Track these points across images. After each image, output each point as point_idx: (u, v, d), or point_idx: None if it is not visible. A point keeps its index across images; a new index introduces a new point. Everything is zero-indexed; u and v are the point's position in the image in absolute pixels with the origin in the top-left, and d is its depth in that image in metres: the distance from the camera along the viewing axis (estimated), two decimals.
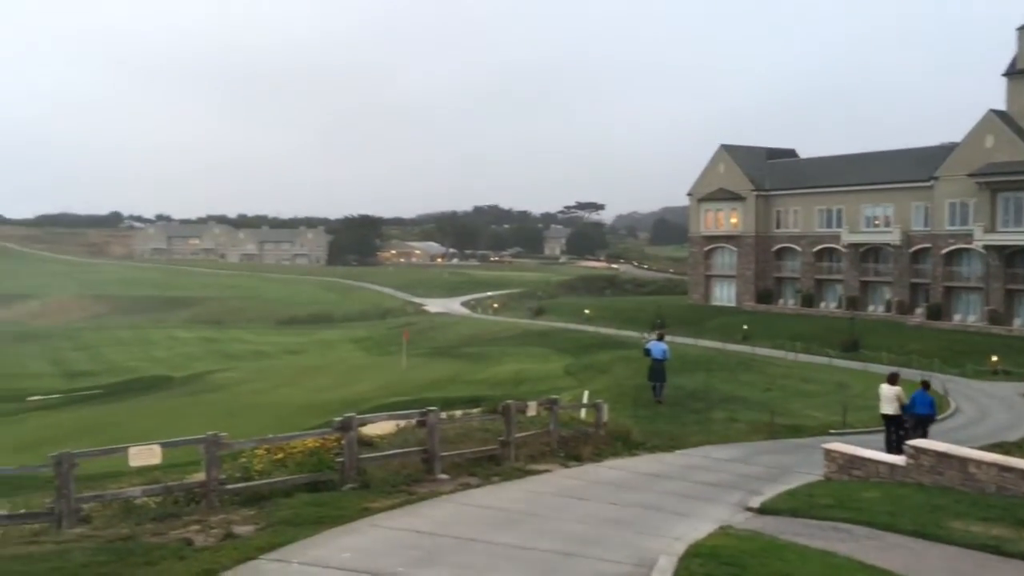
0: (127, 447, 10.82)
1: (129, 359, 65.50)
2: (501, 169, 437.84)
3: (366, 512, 9.95)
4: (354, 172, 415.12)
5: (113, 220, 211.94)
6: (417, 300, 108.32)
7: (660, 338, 26.83)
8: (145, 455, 10.87)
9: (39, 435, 35.53)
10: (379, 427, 16.34)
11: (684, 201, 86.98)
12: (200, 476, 12.77)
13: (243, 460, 12.97)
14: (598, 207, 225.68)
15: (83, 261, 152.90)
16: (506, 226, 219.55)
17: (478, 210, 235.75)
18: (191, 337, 78.76)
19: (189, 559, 7.42)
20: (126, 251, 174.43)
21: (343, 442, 12.19)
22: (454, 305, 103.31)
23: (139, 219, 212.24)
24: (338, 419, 12.48)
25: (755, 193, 74.50)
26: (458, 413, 17.91)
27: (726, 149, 78.13)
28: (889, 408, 18.30)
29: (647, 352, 26.11)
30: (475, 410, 18.49)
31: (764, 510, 12.30)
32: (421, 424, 13.48)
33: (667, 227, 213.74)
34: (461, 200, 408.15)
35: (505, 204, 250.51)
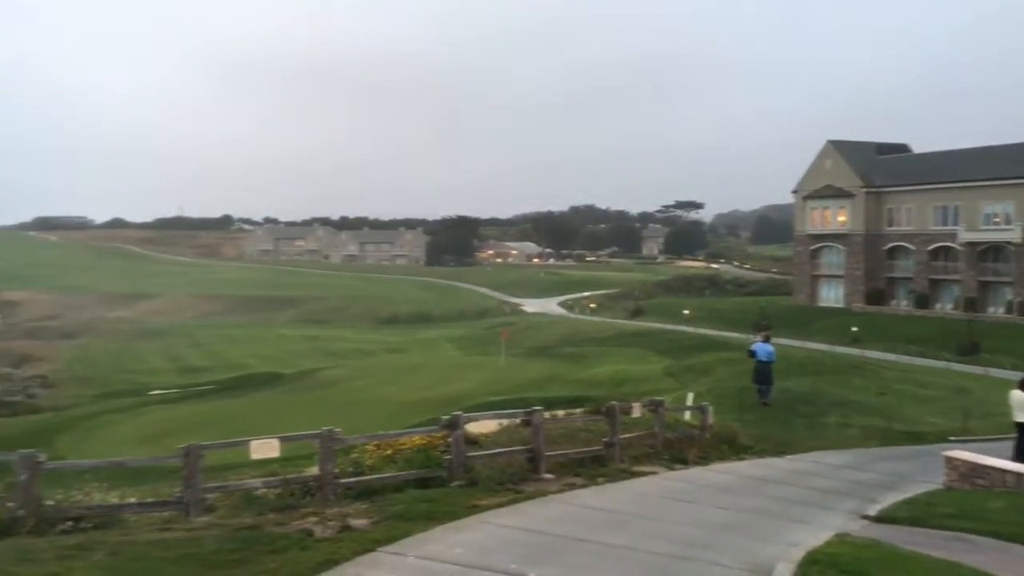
0: (249, 440, 11.29)
1: (240, 356, 68.23)
2: (597, 169, 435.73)
3: (475, 509, 10.09)
4: (452, 173, 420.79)
5: (224, 223, 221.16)
6: (514, 300, 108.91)
7: (766, 340, 26.16)
8: (265, 448, 11.33)
9: (159, 428, 37.40)
10: (483, 425, 16.51)
11: (788, 198, 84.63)
12: (314, 470, 13.26)
13: (355, 455, 13.33)
14: (697, 206, 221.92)
15: (197, 262, 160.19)
16: (602, 226, 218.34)
17: (574, 210, 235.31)
18: (297, 335, 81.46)
19: (311, 549, 7.68)
20: (236, 252, 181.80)
21: (450, 440, 12.41)
22: (550, 305, 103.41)
23: (248, 222, 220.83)
24: (445, 417, 12.70)
25: (864, 190, 71.78)
26: (561, 413, 17.91)
27: (833, 144, 75.56)
28: (1022, 415, 17.31)
29: (752, 354, 25.54)
30: (578, 410, 18.44)
31: (881, 518, 11.87)
32: (526, 423, 13.58)
33: (770, 225, 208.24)
34: (557, 200, 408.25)
35: (602, 204, 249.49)
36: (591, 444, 14.53)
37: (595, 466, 13.72)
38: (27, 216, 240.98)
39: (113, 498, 11.38)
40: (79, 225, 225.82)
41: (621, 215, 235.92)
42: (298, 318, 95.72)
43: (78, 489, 11.28)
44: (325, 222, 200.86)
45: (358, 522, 9.34)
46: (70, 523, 10.21)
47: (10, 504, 10.15)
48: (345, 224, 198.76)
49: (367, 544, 7.91)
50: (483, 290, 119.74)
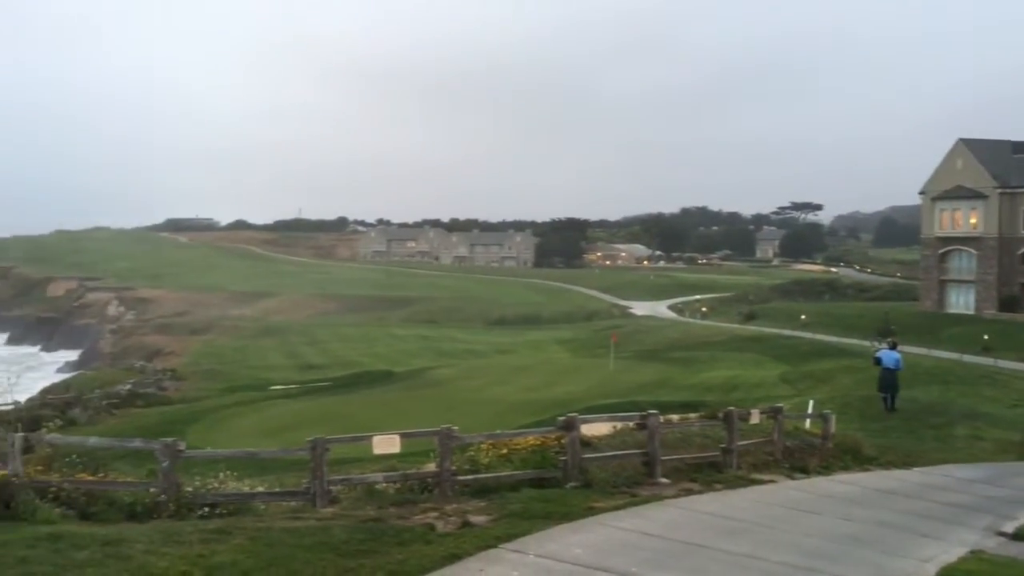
0: (371, 436, 11.65)
1: (354, 354, 70.26)
2: (710, 169, 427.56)
3: (592, 511, 10.09)
4: (562, 175, 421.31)
5: (339, 225, 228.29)
6: (622, 303, 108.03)
7: (892, 347, 25.13)
8: (386, 444, 11.66)
9: (280, 422, 38.94)
10: (596, 428, 16.46)
11: (914, 200, 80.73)
12: (432, 466, 13.56)
13: (470, 453, 13.52)
14: (815, 207, 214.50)
15: (313, 263, 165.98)
16: (715, 228, 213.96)
17: (685, 211, 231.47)
18: (408, 335, 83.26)
19: (435, 543, 7.87)
20: (350, 253, 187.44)
21: (565, 441, 12.45)
22: (660, 308, 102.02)
23: (362, 223, 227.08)
24: (561, 418, 12.76)
25: (999, 190, 67.68)
26: (676, 418, 17.68)
27: (965, 143, 71.55)
28: None
29: (877, 361, 24.66)
30: (693, 415, 18.15)
31: (1019, 536, 11.23)
32: (640, 427, 13.47)
33: (894, 228, 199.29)
34: (668, 202, 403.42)
35: (714, 205, 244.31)
36: (707, 450, 14.31)
37: (712, 472, 13.49)
38: (160, 218, 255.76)
39: (245, 487, 11.98)
40: (206, 227, 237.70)
41: (734, 217, 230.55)
42: (410, 318, 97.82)
43: (212, 477, 11.91)
44: (436, 224, 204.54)
45: (477, 519, 9.50)
46: (206, 509, 10.79)
47: (153, 489, 10.82)
48: (455, 226, 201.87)
49: (488, 540, 8.04)
50: (591, 292, 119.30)
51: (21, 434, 10.93)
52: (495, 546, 7.89)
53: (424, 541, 7.93)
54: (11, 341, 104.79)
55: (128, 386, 49.71)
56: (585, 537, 8.60)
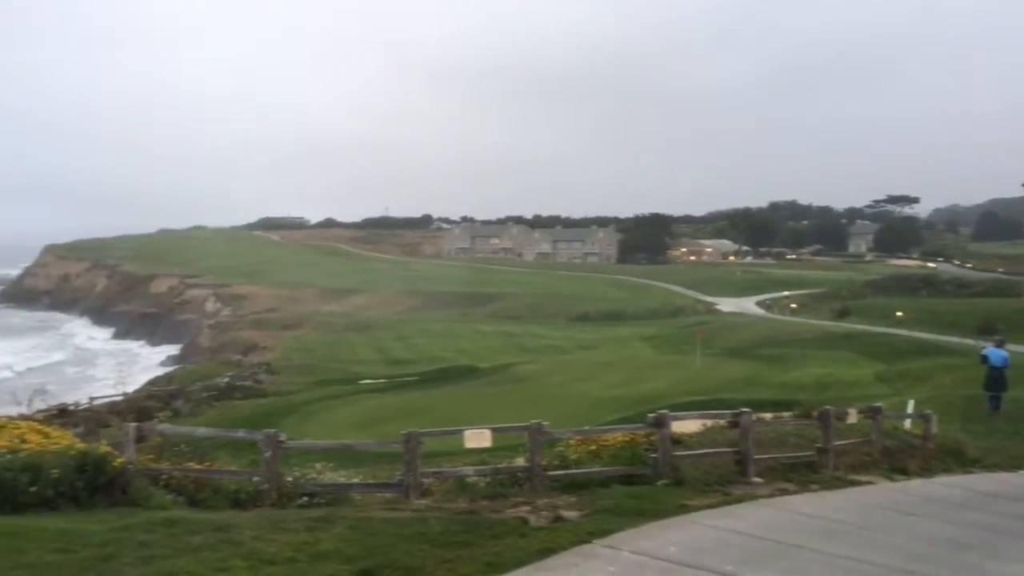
0: (463, 430, 11.85)
1: (440, 349, 71.11)
2: (800, 163, 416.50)
3: (684, 509, 10.02)
4: (646, 170, 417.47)
5: (424, 222, 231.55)
6: (708, 299, 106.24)
7: (999, 344, 24.11)
8: (478, 438, 11.84)
9: (369, 415, 39.77)
10: (685, 425, 16.31)
11: (1016, 192, 76.94)
12: (521, 461, 13.68)
13: (560, 448, 13.59)
14: (911, 200, 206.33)
15: (399, 260, 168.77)
16: (805, 222, 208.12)
17: (774, 206, 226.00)
18: (492, 331, 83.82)
19: (528, 536, 7.95)
20: (435, 250, 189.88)
21: (655, 438, 12.39)
22: (748, 304, 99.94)
23: (447, 221, 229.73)
24: (651, 415, 12.70)
25: None
26: (768, 416, 17.36)
27: None
28: None
29: (984, 359, 23.72)
30: (786, 414, 17.78)
31: None
32: (733, 425, 13.28)
33: (995, 221, 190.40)
34: (755, 196, 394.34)
35: (804, 199, 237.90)
36: (802, 449, 14.01)
37: (807, 472, 13.21)
38: (254, 217, 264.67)
39: (341, 477, 12.35)
40: (297, 225, 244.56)
41: (825, 211, 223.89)
42: (493, 314, 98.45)
43: (310, 467, 12.32)
44: (519, 220, 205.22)
45: (569, 514, 9.55)
46: (306, 498, 11.17)
47: (256, 478, 11.27)
48: (538, 222, 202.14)
49: (581, 535, 8.08)
50: (676, 288, 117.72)
51: (134, 424, 11.53)
52: (588, 541, 7.93)
53: (518, 534, 8.02)
54: (117, 335, 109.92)
55: (226, 379, 51.56)
56: (678, 535, 8.56)
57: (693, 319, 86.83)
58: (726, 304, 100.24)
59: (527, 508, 9.84)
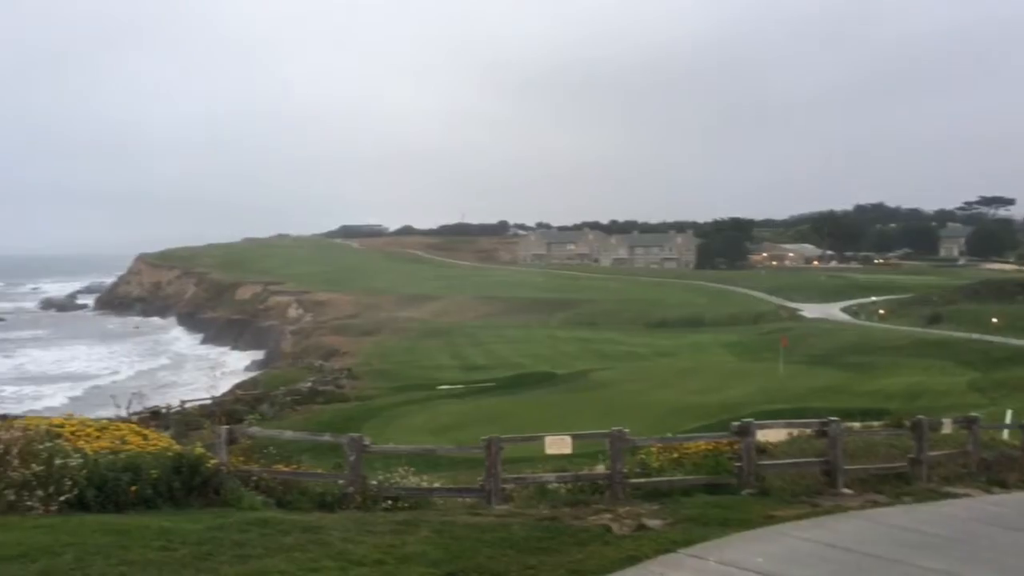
0: (543, 436, 11.86)
1: (517, 355, 71.37)
2: (886, 165, 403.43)
3: (771, 520, 9.80)
4: (724, 174, 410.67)
5: (500, 229, 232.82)
6: (791, 305, 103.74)
7: None
8: (558, 444, 11.82)
9: (447, 420, 40.21)
10: (771, 434, 15.95)
11: None
12: (601, 468, 13.61)
13: (641, 456, 13.47)
14: (1006, 201, 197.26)
15: (476, 266, 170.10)
16: (892, 225, 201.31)
17: (859, 209, 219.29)
18: (569, 337, 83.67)
19: (612, 544, 7.90)
20: (511, 257, 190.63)
21: (739, 447, 12.15)
22: (832, 311, 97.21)
23: (522, 227, 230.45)
24: (736, 423, 12.47)
25: None
26: (857, 425, 16.83)
27: None
28: None
29: None
30: (876, 423, 17.23)
31: None
32: (821, 434, 12.91)
33: None
34: (840, 199, 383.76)
35: (891, 201, 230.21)
36: (894, 460, 13.54)
37: (899, 484, 12.76)
38: (334, 225, 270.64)
39: (423, 482, 12.49)
40: (375, 232, 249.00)
41: (914, 213, 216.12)
42: (570, 320, 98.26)
43: (393, 471, 12.49)
44: (595, 226, 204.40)
45: (652, 522, 9.45)
46: (389, 501, 11.35)
47: (341, 481, 11.49)
48: (614, 228, 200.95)
49: (666, 544, 7.99)
50: (757, 294, 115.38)
51: (226, 427, 11.92)
52: (673, 550, 7.83)
53: (602, 542, 7.98)
54: (206, 341, 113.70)
55: (309, 384, 52.82)
56: (766, 546, 8.37)
57: (775, 325, 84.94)
58: (810, 310, 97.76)
59: (609, 516, 9.77)
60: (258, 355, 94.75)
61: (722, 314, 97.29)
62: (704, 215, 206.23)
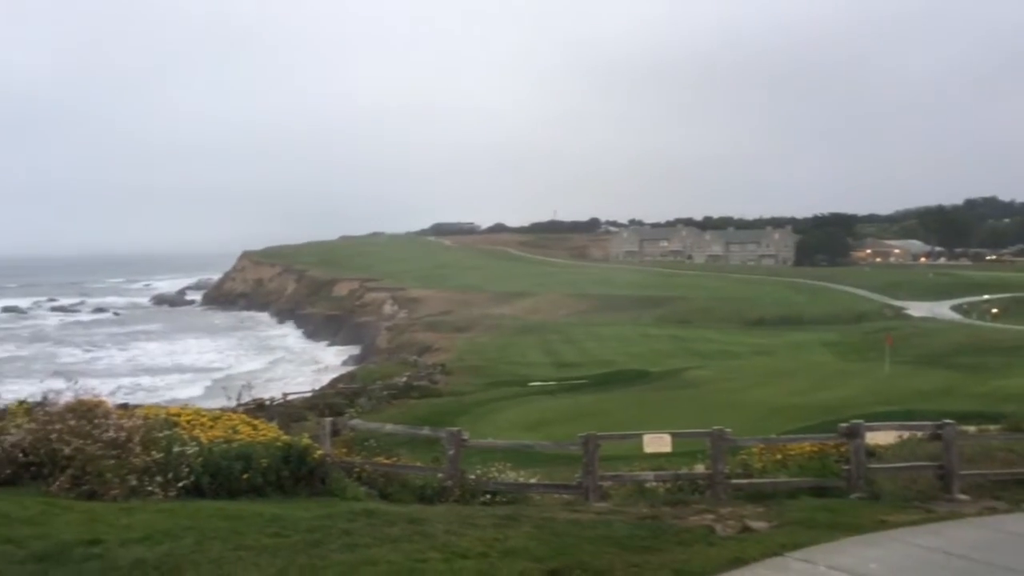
0: (641, 434, 11.74)
1: (608, 353, 70.91)
2: (1000, 156, 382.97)
3: (883, 525, 9.42)
4: (823, 167, 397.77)
5: (592, 226, 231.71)
6: (896, 303, 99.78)
7: None
8: (657, 443, 11.69)
9: (540, 416, 40.24)
10: (879, 437, 15.36)
11: None
12: (700, 468, 13.38)
13: (742, 456, 13.17)
14: None
15: (567, 263, 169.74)
16: (1006, 220, 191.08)
17: (970, 203, 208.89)
18: (662, 335, 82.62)
19: (717, 545, 7.74)
20: (603, 254, 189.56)
21: (848, 449, 11.74)
22: (941, 309, 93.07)
23: (614, 224, 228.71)
24: (844, 425, 12.06)
25: None
26: (972, 429, 16.06)
27: None
28: None
29: None
30: (992, 427, 16.38)
31: None
32: (935, 437, 12.37)
33: None
34: (949, 193, 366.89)
35: (1005, 195, 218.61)
36: (1014, 466, 12.82)
37: (1018, 490, 12.07)
38: (427, 223, 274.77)
39: (520, 477, 12.54)
40: (468, 230, 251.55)
41: None
42: (663, 318, 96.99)
43: (489, 465, 12.57)
44: (688, 223, 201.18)
45: (757, 524, 9.22)
46: (488, 496, 11.43)
47: (440, 475, 11.65)
48: (709, 224, 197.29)
49: (772, 547, 7.77)
50: (860, 292, 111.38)
51: (330, 419, 12.25)
52: (780, 554, 7.61)
53: (706, 543, 7.82)
54: (305, 336, 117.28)
55: (404, 379, 53.74)
56: (879, 552, 8.04)
57: (879, 324, 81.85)
58: (917, 308, 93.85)
59: (711, 516, 9.59)
60: (354, 350, 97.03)
61: (822, 312, 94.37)
62: (803, 211, 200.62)
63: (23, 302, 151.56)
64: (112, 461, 8.42)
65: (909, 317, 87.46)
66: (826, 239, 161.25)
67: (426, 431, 13.05)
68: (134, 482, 8.32)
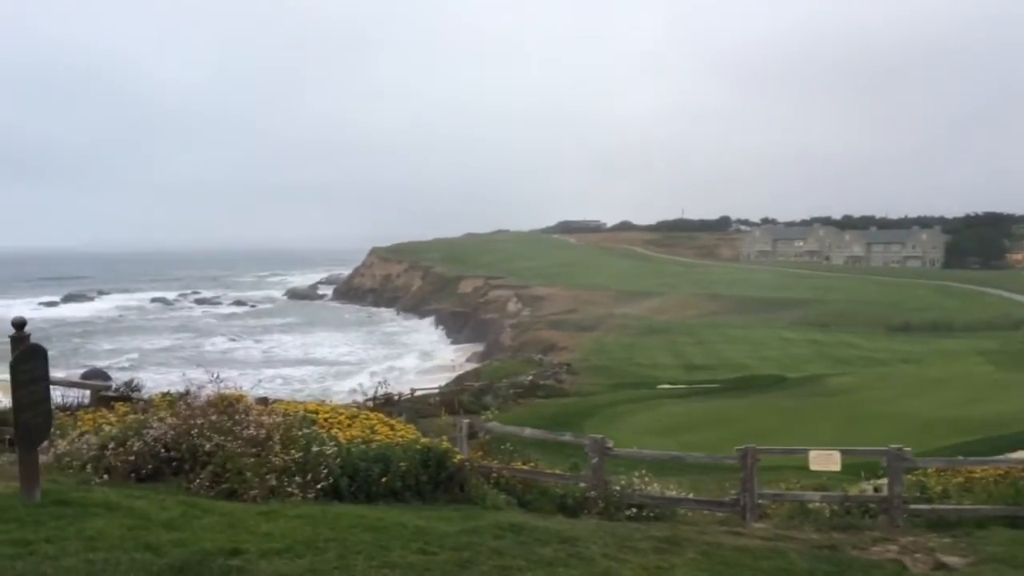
0: (807, 450, 10.65)
1: (741, 356, 68.39)
2: None
3: None
4: (979, 166, 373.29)
5: (722, 224, 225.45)
6: None
7: None
8: (825, 460, 10.57)
9: (671, 421, 38.93)
10: None
11: None
12: (868, 488, 12.13)
13: (917, 477, 11.86)
14: None
15: (695, 263, 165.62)
16: None
17: None
18: (798, 339, 79.10)
19: None
20: (733, 253, 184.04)
21: None
22: None
23: (745, 223, 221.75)
24: None
25: None
26: None
27: None
28: None
29: None
30: None
31: None
32: None
33: None
34: None
35: None
36: None
37: None
38: (552, 220, 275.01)
39: (670, 490, 11.67)
40: (593, 228, 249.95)
41: None
42: (799, 321, 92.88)
43: (629, 474, 11.75)
44: (826, 222, 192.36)
45: (950, 559, 8.05)
46: (633, 509, 10.62)
47: (583, 484, 10.94)
48: (848, 223, 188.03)
49: None
50: (1017, 297, 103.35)
51: (467, 420, 11.76)
52: None
53: None
54: (431, 332, 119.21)
55: (529, 377, 53.37)
56: None
57: None
58: None
59: (895, 548, 8.47)
60: (478, 347, 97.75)
61: (976, 318, 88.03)
62: (953, 210, 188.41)
63: (170, 294, 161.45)
64: (252, 459, 8.16)
65: None
66: (979, 240, 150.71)
67: (567, 436, 12.38)
68: (273, 482, 8.02)
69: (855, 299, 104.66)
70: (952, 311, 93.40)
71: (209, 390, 9.53)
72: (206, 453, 8.32)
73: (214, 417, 8.65)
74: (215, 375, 9.75)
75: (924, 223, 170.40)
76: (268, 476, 8.02)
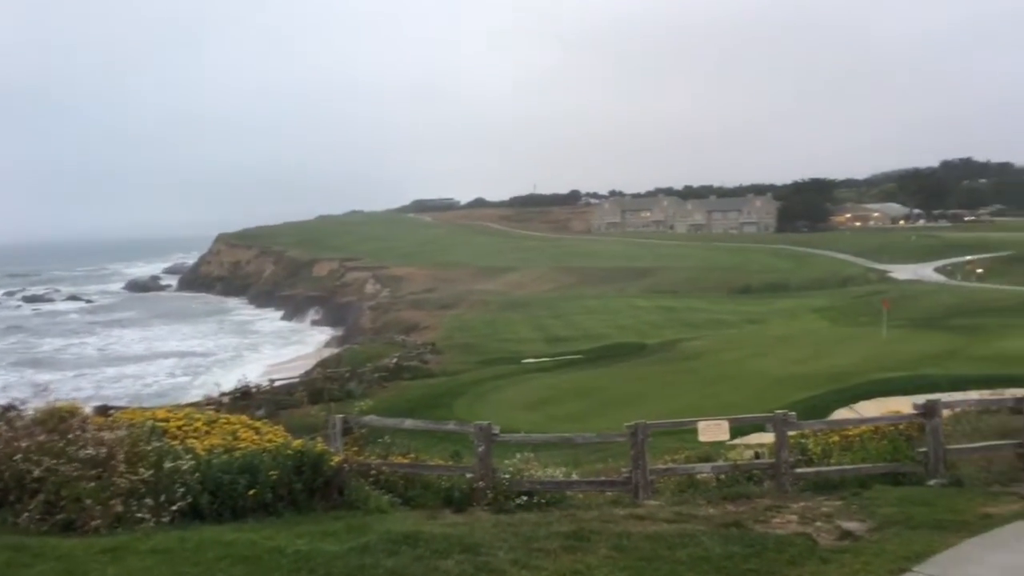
0: (696, 421, 10.44)
1: (599, 326, 69.71)
2: (972, 118, 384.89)
3: (989, 519, 8.18)
4: (803, 134, 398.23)
5: (573, 198, 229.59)
6: (880, 267, 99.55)
7: None
8: (714, 430, 10.38)
9: (539, 395, 39.01)
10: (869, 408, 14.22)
11: None
12: (749, 455, 12.14)
13: (795, 439, 11.94)
14: None
15: (549, 236, 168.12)
16: (983, 180, 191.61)
17: (945, 165, 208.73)
18: (650, 306, 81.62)
19: (832, 562, 6.44)
20: (584, 226, 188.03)
21: (925, 429, 10.52)
22: (925, 271, 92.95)
23: (595, 196, 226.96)
24: (919, 402, 10.84)
25: None
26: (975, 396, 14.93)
27: None
28: None
29: None
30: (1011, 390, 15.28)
31: None
32: (1016, 412, 11.21)
33: None
34: (924, 155, 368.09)
35: (980, 156, 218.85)
36: None
37: None
38: (406, 200, 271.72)
39: (556, 473, 11.21)
40: (447, 206, 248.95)
41: (1005, 168, 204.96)
42: (650, 289, 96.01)
43: (510, 456, 11.20)
44: (669, 192, 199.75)
45: (851, 525, 7.96)
46: (524, 497, 10.07)
47: (469, 475, 10.28)
48: (690, 193, 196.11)
49: (895, 560, 6.50)
50: (843, 256, 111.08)
51: (341, 415, 10.82)
52: (908, 568, 6.34)
53: (818, 559, 6.52)
54: (286, 318, 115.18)
55: (394, 360, 52.16)
56: (1012, 558, 6.79)
57: (866, 288, 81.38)
58: (901, 271, 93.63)
59: (795, 518, 8.32)
60: (338, 332, 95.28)
61: (808, 278, 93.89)
62: (783, 177, 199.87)
63: None
64: (92, 483, 7.00)
65: (895, 280, 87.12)
66: (806, 205, 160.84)
67: (451, 426, 11.68)
68: (119, 508, 6.91)
69: (699, 265, 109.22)
70: (787, 272, 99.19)
71: (37, 403, 8.20)
72: (35, 480, 7.08)
73: (42, 437, 7.38)
74: (43, 387, 8.40)
75: (758, 190, 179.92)
76: (112, 501, 6.90)
